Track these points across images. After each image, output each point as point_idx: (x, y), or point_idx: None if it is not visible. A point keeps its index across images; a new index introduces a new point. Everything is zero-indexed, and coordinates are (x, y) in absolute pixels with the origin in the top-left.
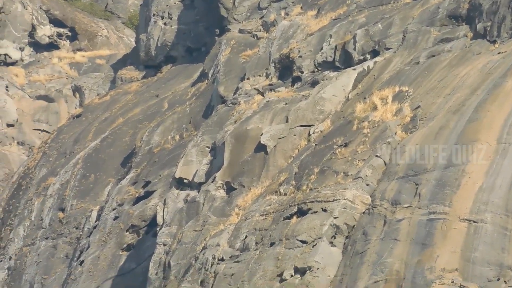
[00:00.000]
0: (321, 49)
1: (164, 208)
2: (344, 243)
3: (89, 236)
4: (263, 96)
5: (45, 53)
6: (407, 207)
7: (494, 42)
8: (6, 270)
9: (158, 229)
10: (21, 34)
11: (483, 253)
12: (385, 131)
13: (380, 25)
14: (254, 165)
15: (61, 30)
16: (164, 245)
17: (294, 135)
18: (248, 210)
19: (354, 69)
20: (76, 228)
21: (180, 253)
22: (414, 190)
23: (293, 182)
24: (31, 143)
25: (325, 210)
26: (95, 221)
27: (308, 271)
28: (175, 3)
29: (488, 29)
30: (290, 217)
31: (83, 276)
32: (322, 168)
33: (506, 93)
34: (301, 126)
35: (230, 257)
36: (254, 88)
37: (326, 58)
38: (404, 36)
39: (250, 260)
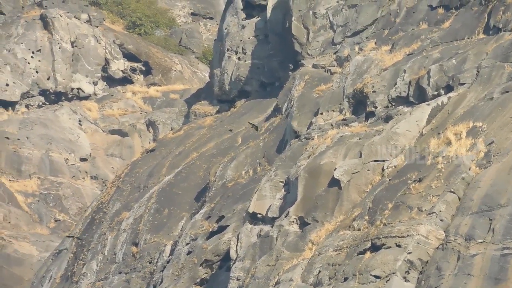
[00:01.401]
0: (395, 84)
1: (237, 242)
2: (418, 278)
3: (162, 271)
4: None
5: (119, 87)
6: (481, 242)
7: None
8: None
9: (231, 263)
10: (94, 68)
11: None
12: (459, 166)
13: (454, 60)
14: (327, 200)
15: (135, 64)
16: (238, 279)
17: (368, 170)
18: (321, 245)
19: (428, 104)
20: (150, 263)
21: None
22: (488, 225)
23: (367, 217)
24: (105, 177)
25: (399, 246)
26: (169, 256)
27: None
28: (249, 38)
29: None
30: (363, 252)
31: None
32: (396, 203)
33: None
34: (375, 161)
35: None
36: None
37: (400, 93)
38: (478, 72)
39: None
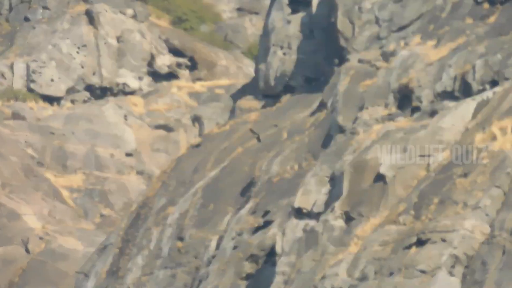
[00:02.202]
0: (440, 79)
1: (283, 237)
2: (463, 273)
3: (208, 266)
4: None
5: (164, 83)
6: None
7: None
8: None
9: (277, 258)
10: (139, 63)
11: None
12: (505, 161)
13: (499, 55)
14: (373, 195)
15: (180, 59)
16: (283, 274)
17: (413, 165)
18: (367, 239)
19: (473, 99)
20: (195, 258)
21: (299, 283)
22: None
23: (412, 212)
24: (150, 172)
25: (444, 240)
26: (214, 251)
27: None
28: (294, 33)
29: None
30: (409, 247)
31: None
32: (441, 198)
33: None
34: (420, 156)
35: (348, 287)
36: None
37: (445, 88)
38: None
39: None
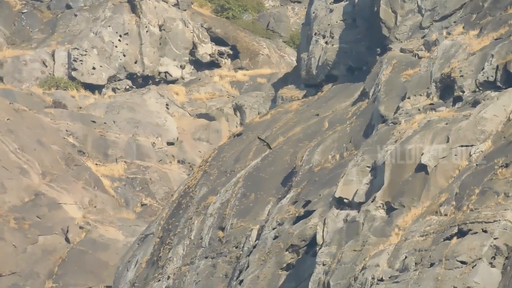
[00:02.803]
0: (483, 69)
1: (324, 227)
2: (504, 263)
3: (248, 255)
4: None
5: (206, 71)
6: None
7: None
8: None
9: (317, 248)
10: (181, 52)
11: None
12: None
13: None
14: (414, 185)
15: (223, 48)
16: (324, 265)
17: (455, 155)
18: (408, 230)
19: None
20: (236, 247)
21: (339, 273)
22: None
23: (454, 203)
24: (192, 162)
25: (485, 231)
26: (255, 241)
27: None
28: (336, 22)
29: None
30: (450, 237)
31: None
32: (482, 188)
33: None
34: (462, 146)
35: (389, 278)
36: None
37: (487, 78)
38: None
39: (409, 281)
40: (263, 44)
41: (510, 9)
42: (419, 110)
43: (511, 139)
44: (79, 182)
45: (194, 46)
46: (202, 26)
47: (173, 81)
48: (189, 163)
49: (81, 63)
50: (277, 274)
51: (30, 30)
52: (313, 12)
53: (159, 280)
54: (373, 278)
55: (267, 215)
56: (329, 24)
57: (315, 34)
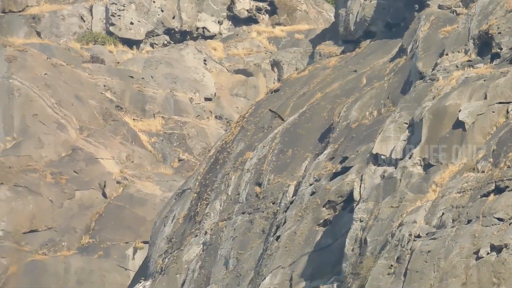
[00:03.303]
0: None
1: (361, 184)
2: None
3: (285, 211)
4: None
5: (244, 27)
6: None
7: None
8: (202, 245)
9: (354, 205)
10: (219, 7)
11: None
12: None
13: None
14: (451, 142)
15: (260, 4)
16: (361, 221)
17: (493, 112)
18: (445, 187)
19: None
20: (273, 203)
21: (376, 230)
22: None
23: (491, 160)
24: (229, 117)
25: None
26: (292, 196)
27: (504, 249)
28: None
29: None
30: (487, 194)
31: (279, 251)
32: None
33: None
34: (500, 103)
35: (426, 234)
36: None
37: None
38: None
39: (446, 237)
40: (301, 0)
41: None
42: (457, 66)
43: None
44: (116, 137)
45: (232, 1)
46: None
47: (211, 37)
48: (227, 118)
49: (119, 18)
50: (314, 230)
51: None
52: None
53: (196, 236)
54: (410, 235)
55: (304, 171)
56: None
57: None
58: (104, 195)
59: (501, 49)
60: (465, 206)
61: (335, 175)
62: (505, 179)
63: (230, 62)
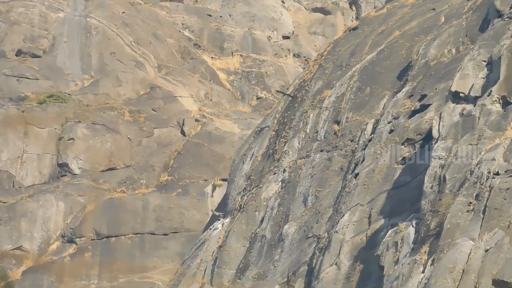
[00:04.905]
0: None
1: (439, 121)
2: None
3: (364, 149)
4: None
5: None
6: None
7: None
8: (280, 183)
9: (433, 142)
10: None
11: None
12: None
13: None
14: None
15: None
16: (440, 159)
17: None
18: None
19: None
20: (351, 141)
21: (455, 167)
22: None
23: None
24: (307, 55)
25: None
26: (370, 134)
27: None
28: None
29: None
30: None
31: (357, 189)
32: None
33: None
34: None
35: (505, 172)
36: None
37: None
38: None
39: None
40: None
41: None
42: None
43: None
44: (195, 76)
45: None
46: None
47: None
48: (305, 56)
49: None
50: (392, 167)
51: None
52: None
53: (275, 173)
54: (489, 172)
55: (383, 108)
56: None
57: None
58: (182, 133)
59: None
60: None
61: (414, 112)
62: None
63: (308, 1)
